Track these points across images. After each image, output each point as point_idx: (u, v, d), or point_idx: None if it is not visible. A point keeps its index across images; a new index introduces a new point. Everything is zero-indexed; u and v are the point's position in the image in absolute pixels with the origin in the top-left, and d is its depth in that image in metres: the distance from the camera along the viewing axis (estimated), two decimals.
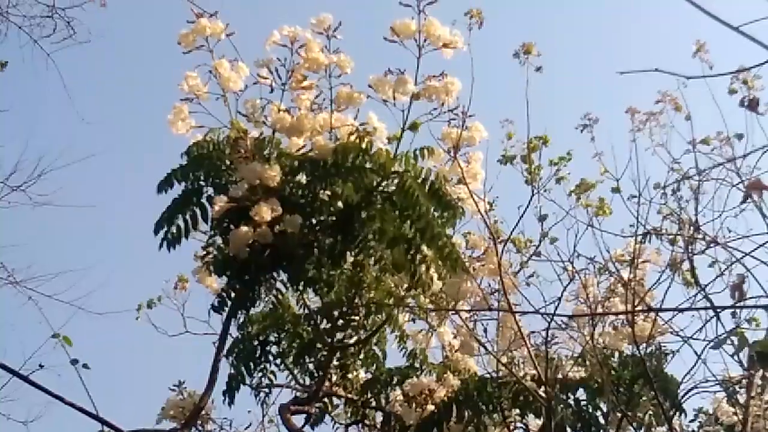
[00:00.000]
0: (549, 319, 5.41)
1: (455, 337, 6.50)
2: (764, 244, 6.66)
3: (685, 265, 6.30)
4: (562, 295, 5.83)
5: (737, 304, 4.30)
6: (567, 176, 6.70)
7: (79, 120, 13.79)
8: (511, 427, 5.98)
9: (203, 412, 6.12)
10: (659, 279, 6.01)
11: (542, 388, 5.67)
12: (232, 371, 6.48)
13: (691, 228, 6.11)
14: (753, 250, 6.52)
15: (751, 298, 4.28)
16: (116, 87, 16.41)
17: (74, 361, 5.63)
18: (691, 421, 7.09)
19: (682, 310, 5.27)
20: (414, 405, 5.98)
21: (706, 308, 5.26)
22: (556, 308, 5.75)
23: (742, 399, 6.61)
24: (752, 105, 3.70)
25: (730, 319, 5.65)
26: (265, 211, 5.33)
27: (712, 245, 5.99)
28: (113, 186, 16.09)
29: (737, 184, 6.88)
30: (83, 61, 15.90)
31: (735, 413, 6.81)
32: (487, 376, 6.08)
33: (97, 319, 11.95)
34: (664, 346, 6.22)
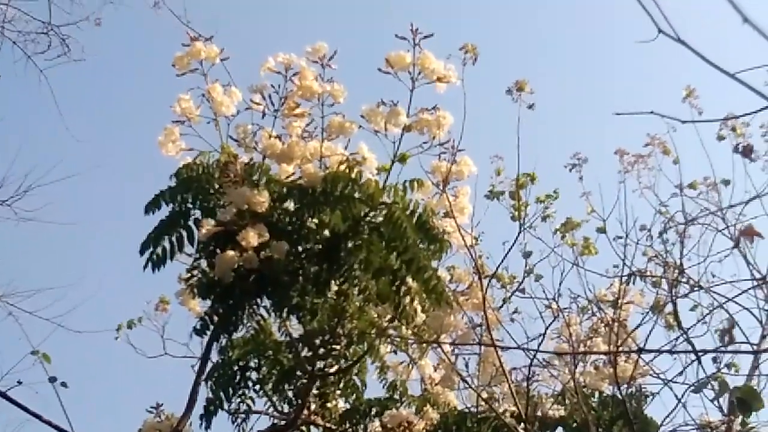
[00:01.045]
0: (531, 356, 5.40)
1: (436, 370, 6.50)
2: (747, 290, 6.73)
3: (668, 308, 6.33)
4: (545, 333, 5.84)
5: (722, 348, 4.31)
6: (553, 214, 6.73)
7: (69, 137, 13.77)
8: None
9: None
10: (642, 321, 6.04)
11: (522, 425, 5.66)
12: (211, 395, 6.44)
13: (676, 271, 6.14)
14: (736, 296, 6.58)
15: (735, 343, 4.30)
16: (108, 106, 16.46)
17: (52, 379, 5.62)
18: None
19: (666, 352, 5.28)
20: None
21: (689, 351, 5.28)
22: (539, 345, 5.75)
23: None
24: (746, 152, 3.74)
25: (712, 364, 5.66)
26: (252, 237, 5.33)
27: (696, 289, 6.02)
28: (100, 204, 16.04)
29: (723, 230, 6.95)
30: (76, 78, 15.92)
31: None
32: (467, 410, 6.06)
33: (76, 337, 11.88)
34: (645, 388, 6.23)
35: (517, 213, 6.48)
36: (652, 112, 2.73)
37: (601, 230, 6.74)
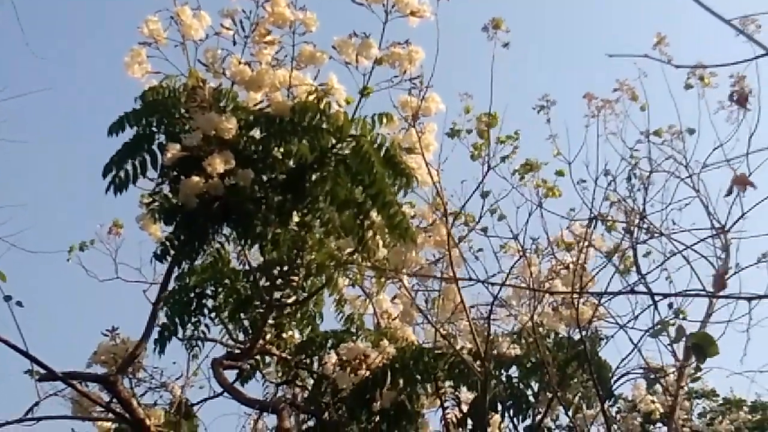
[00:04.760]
0: (494, 293, 5.42)
1: (393, 303, 6.53)
2: (706, 239, 6.83)
3: (627, 253, 6.39)
4: (510, 270, 5.86)
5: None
6: (513, 155, 6.73)
7: (30, 54, 13.42)
8: (443, 399, 6.01)
9: (136, 360, 6.06)
10: (603, 264, 6.10)
11: (478, 363, 5.70)
12: (166, 321, 6.43)
13: (638, 217, 6.20)
14: (695, 244, 6.69)
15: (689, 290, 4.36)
16: (72, 24, 16.09)
17: (7, 298, 5.55)
18: (611, 406, 7.23)
19: (628, 293, 5.34)
20: (348, 369, 5.96)
21: (650, 293, 5.33)
22: (504, 281, 5.78)
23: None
24: (741, 100, 3.75)
25: (668, 310, 5.75)
26: (219, 163, 5.27)
27: (655, 236, 6.09)
28: (62, 123, 15.70)
29: (685, 178, 7.04)
30: None
31: (653, 401, 6.97)
32: (425, 346, 6.09)
33: (31, 257, 11.67)
34: (600, 331, 6.31)
35: (477, 152, 6.46)
36: (646, 56, 2.72)
37: (560, 173, 6.76)
